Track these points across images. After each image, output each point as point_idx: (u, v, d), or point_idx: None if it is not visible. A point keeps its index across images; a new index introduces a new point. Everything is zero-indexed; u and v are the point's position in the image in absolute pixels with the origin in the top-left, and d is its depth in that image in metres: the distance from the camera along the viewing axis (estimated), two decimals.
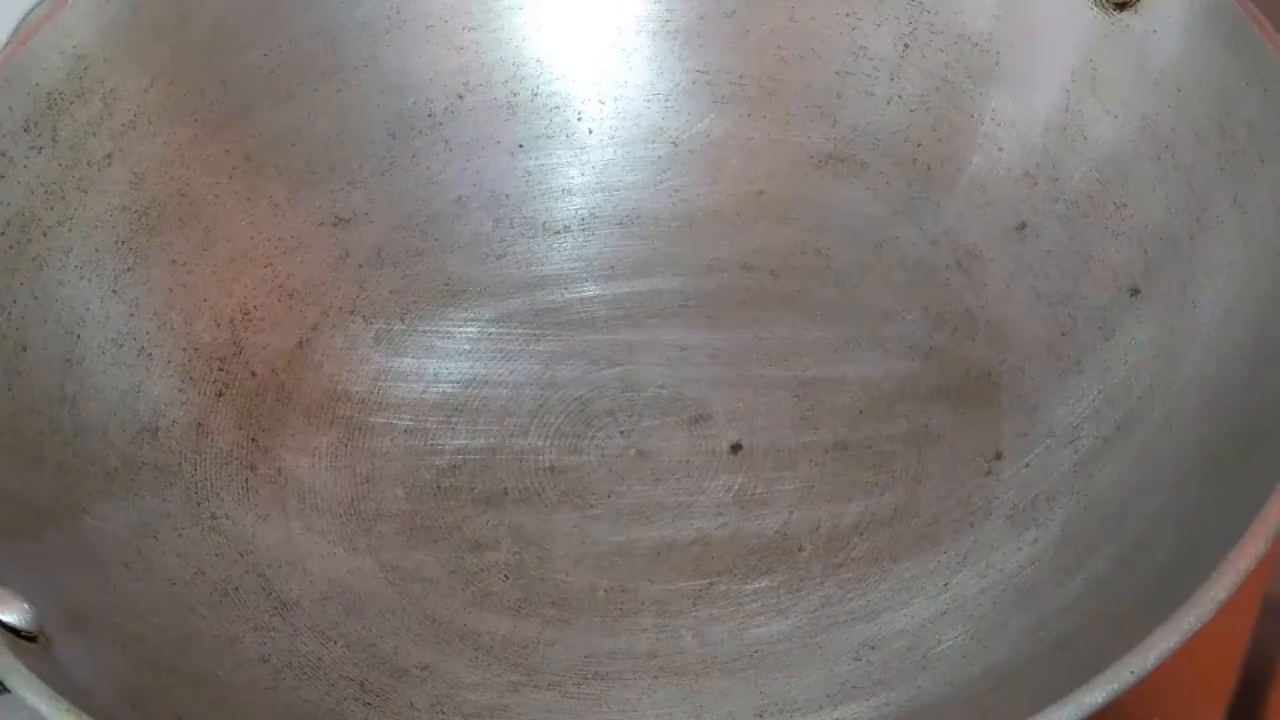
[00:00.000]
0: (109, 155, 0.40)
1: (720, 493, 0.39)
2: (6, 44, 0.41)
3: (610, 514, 0.39)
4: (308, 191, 0.44)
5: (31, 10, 0.45)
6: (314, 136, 0.44)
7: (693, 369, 0.42)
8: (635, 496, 0.40)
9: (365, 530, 0.39)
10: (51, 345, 0.38)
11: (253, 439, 0.40)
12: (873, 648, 0.35)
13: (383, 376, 0.43)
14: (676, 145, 0.46)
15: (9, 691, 0.29)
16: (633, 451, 0.41)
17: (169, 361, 0.40)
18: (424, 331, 0.44)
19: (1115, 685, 0.26)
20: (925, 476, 0.39)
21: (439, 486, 0.40)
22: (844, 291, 0.43)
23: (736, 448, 0.40)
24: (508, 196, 0.46)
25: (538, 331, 0.44)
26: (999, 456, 0.39)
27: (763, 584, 0.37)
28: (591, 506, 0.40)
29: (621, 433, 0.41)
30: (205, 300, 0.41)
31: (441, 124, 0.45)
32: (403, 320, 0.44)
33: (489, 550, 0.39)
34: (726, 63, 0.45)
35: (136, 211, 0.41)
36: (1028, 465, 0.38)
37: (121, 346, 0.39)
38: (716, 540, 0.38)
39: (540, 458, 0.41)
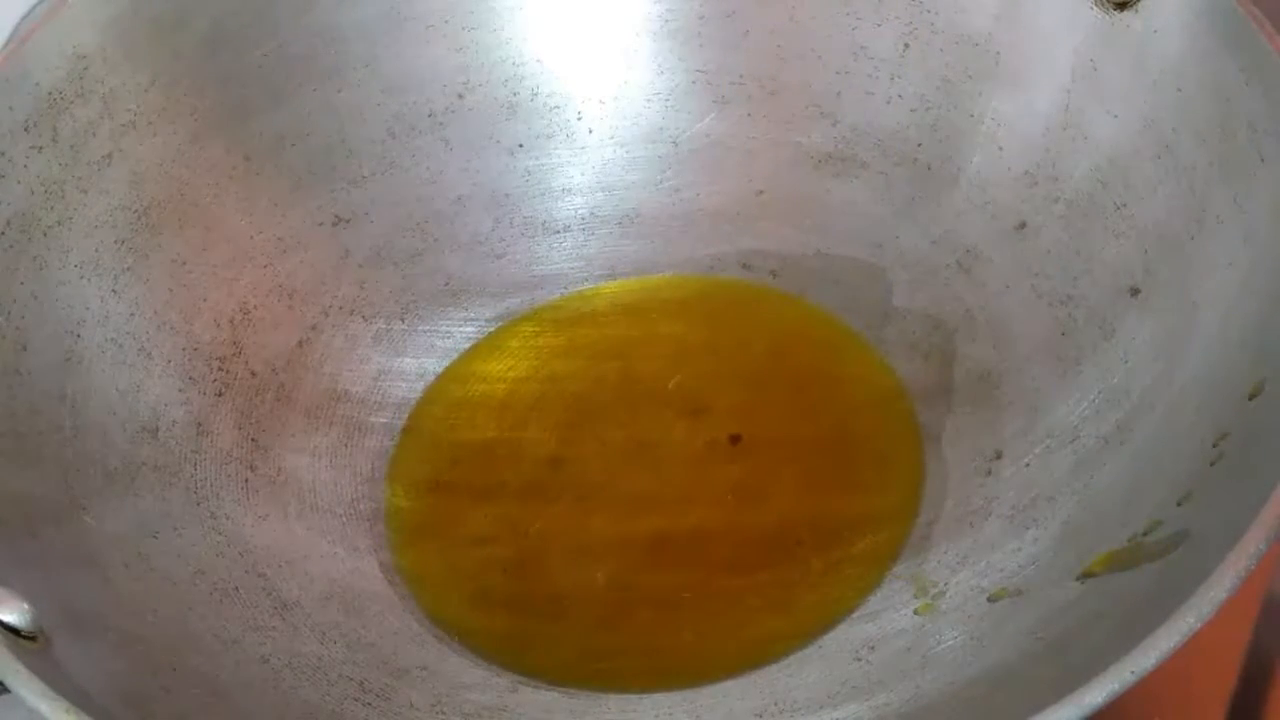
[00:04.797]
0: (109, 155, 0.40)
1: (719, 484, 0.39)
2: (6, 44, 0.41)
3: (609, 506, 0.39)
4: (308, 191, 0.44)
5: (31, 10, 0.45)
6: (314, 136, 0.44)
7: (692, 363, 0.42)
8: (634, 488, 0.40)
9: (365, 530, 0.39)
10: (51, 345, 0.38)
11: (253, 439, 0.40)
12: (872, 648, 0.35)
13: (383, 376, 0.43)
14: (676, 145, 0.46)
15: (8, 692, 0.29)
16: (631, 444, 0.41)
17: (169, 361, 0.40)
18: (424, 331, 0.44)
19: (1115, 686, 0.26)
20: (924, 476, 0.39)
21: (438, 483, 0.40)
22: (844, 291, 0.43)
23: (735, 439, 0.40)
24: (508, 196, 0.46)
25: (537, 328, 0.44)
26: (999, 456, 0.39)
27: (762, 579, 0.37)
28: (590, 499, 0.40)
29: (620, 425, 0.41)
30: (205, 300, 0.41)
31: (441, 124, 0.45)
32: (403, 320, 0.44)
33: (488, 545, 0.39)
34: (726, 63, 0.45)
35: (136, 211, 0.40)
36: (1028, 465, 0.38)
37: (121, 346, 0.39)
38: (716, 533, 0.38)
39: (539, 450, 0.41)
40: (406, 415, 0.42)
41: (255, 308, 0.42)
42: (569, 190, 0.46)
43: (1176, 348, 0.36)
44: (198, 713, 0.33)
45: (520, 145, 0.46)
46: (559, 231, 0.46)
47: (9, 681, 0.29)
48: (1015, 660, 0.32)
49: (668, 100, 0.46)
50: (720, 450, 0.40)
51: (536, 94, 0.46)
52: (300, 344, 0.42)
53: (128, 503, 0.37)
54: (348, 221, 0.44)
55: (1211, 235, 0.36)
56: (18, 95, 0.39)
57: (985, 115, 0.42)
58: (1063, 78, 0.40)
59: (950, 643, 0.34)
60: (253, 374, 0.41)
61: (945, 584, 0.36)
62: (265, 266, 0.43)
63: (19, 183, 0.38)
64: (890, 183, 0.44)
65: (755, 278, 0.44)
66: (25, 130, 0.39)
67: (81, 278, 0.39)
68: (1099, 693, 0.26)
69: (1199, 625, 0.27)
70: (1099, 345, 0.38)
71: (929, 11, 0.43)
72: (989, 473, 0.38)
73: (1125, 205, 0.39)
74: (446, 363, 0.43)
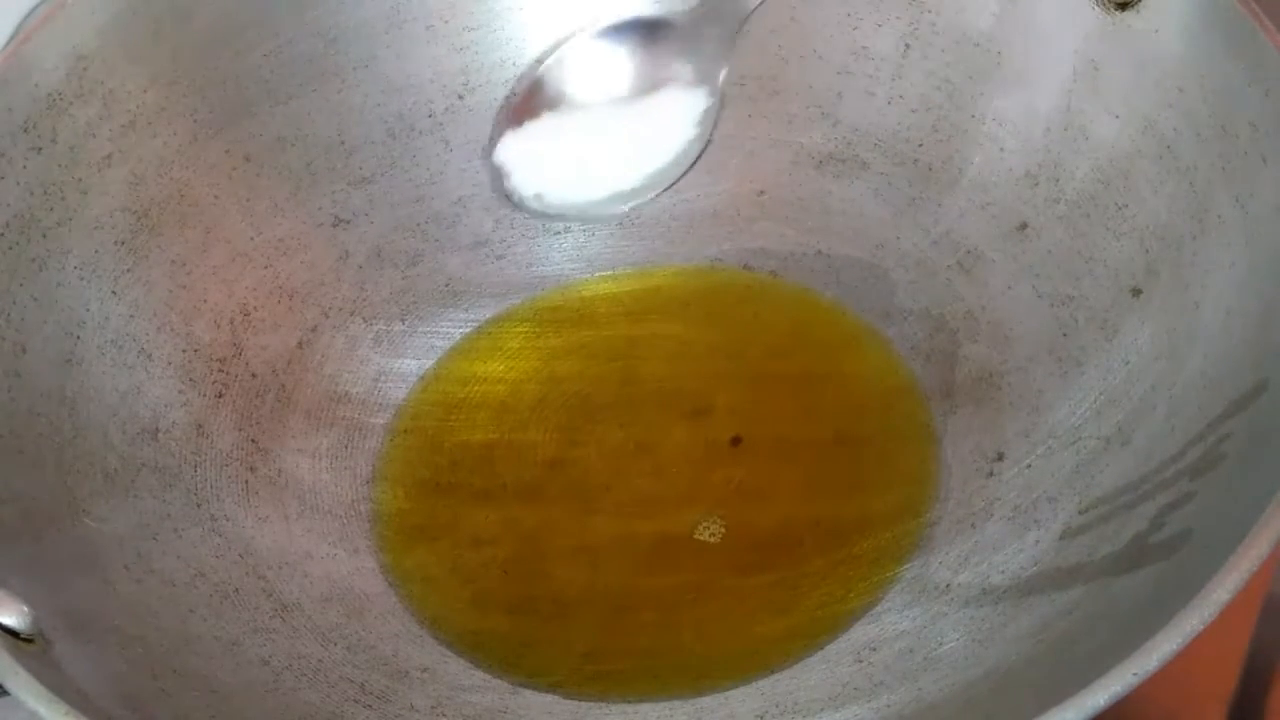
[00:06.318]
0: (108, 156, 0.40)
1: (720, 485, 0.39)
2: (6, 44, 0.41)
3: (610, 507, 0.39)
4: (308, 191, 0.44)
5: (31, 10, 0.45)
6: (314, 137, 0.44)
7: (693, 363, 0.42)
8: (635, 490, 0.40)
9: (365, 531, 0.39)
10: (51, 347, 0.38)
11: (253, 440, 0.40)
12: (874, 649, 0.35)
13: (383, 377, 0.43)
14: None
15: (8, 694, 0.29)
16: (632, 444, 0.41)
17: (169, 363, 0.40)
18: (424, 332, 0.44)
19: (1118, 687, 0.26)
20: (926, 477, 0.39)
21: (438, 484, 0.40)
22: (845, 292, 0.43)
23: (737, 440, 0.40)
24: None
25: (537, 329, 0.44)
26: (1000, 457, 0.38)
27: (763, 580, 0.37)
28: (591, 500, 0.40)
29: (621, 426, 0.41)
30: (205, 301, 0.41)
31: (441, 124, 0.45)
32: (403, 321, 0.44)
33: (488, 546, 0.39)
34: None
35: (136, 212, 0.40)
36: (1029, 466, 0.38)
37: (121, 348, 0.39)
38: (716, 534, 0.38)
39: (539, 452, 0.41)
40: (407, 417, 0.42)
41: (255, 309, 0.42)
42: None
43: (1178, 348, 0.36)
44: (198, 715, 0.33)
45: None
46: (559, 232, 0.45)
47: (8, 684, 0.29)
48: (1017, 662, 0.32)
49: None
50: (721, 451, 0.40)
51: None
52: (300, 345, 0.42)
53: (128, 504, 0.37)
54: (348, 222, 0.44)
55: (1213, 235, 0.36)
56: (17, 96, 0.38)
57: (986, 115, 0.42)
58: (1064, 78, 0.40)
59: (952, 644, 0.34)
60: (253, 375, 0.41)
61: (947, 585, 0.36)
62: (265, 267, 0.43)
63: (18, 184, 0.38)
64: (891, 183, 0.44)
65: (756, 278, 0.44)
66: (25, 131, 0.39)
67: (81, 279, 0.39)
68: (1101, 695, 0.26)
69: (1201, 627, 0.27)
70: (1100, 346, 0.38)
71: (930, 12, 0.43)
72: (991, 474, 0.38)
73: (1126, 205, 0.39)
74: (447, 364, 0.43)
